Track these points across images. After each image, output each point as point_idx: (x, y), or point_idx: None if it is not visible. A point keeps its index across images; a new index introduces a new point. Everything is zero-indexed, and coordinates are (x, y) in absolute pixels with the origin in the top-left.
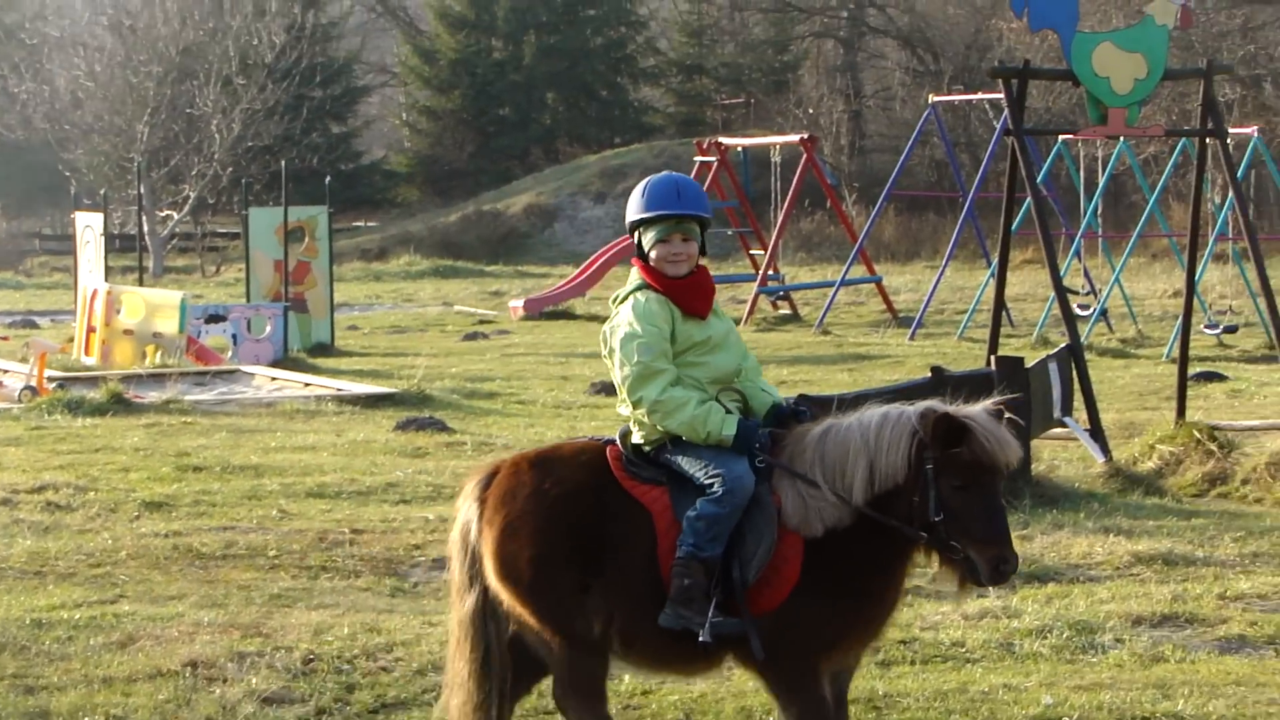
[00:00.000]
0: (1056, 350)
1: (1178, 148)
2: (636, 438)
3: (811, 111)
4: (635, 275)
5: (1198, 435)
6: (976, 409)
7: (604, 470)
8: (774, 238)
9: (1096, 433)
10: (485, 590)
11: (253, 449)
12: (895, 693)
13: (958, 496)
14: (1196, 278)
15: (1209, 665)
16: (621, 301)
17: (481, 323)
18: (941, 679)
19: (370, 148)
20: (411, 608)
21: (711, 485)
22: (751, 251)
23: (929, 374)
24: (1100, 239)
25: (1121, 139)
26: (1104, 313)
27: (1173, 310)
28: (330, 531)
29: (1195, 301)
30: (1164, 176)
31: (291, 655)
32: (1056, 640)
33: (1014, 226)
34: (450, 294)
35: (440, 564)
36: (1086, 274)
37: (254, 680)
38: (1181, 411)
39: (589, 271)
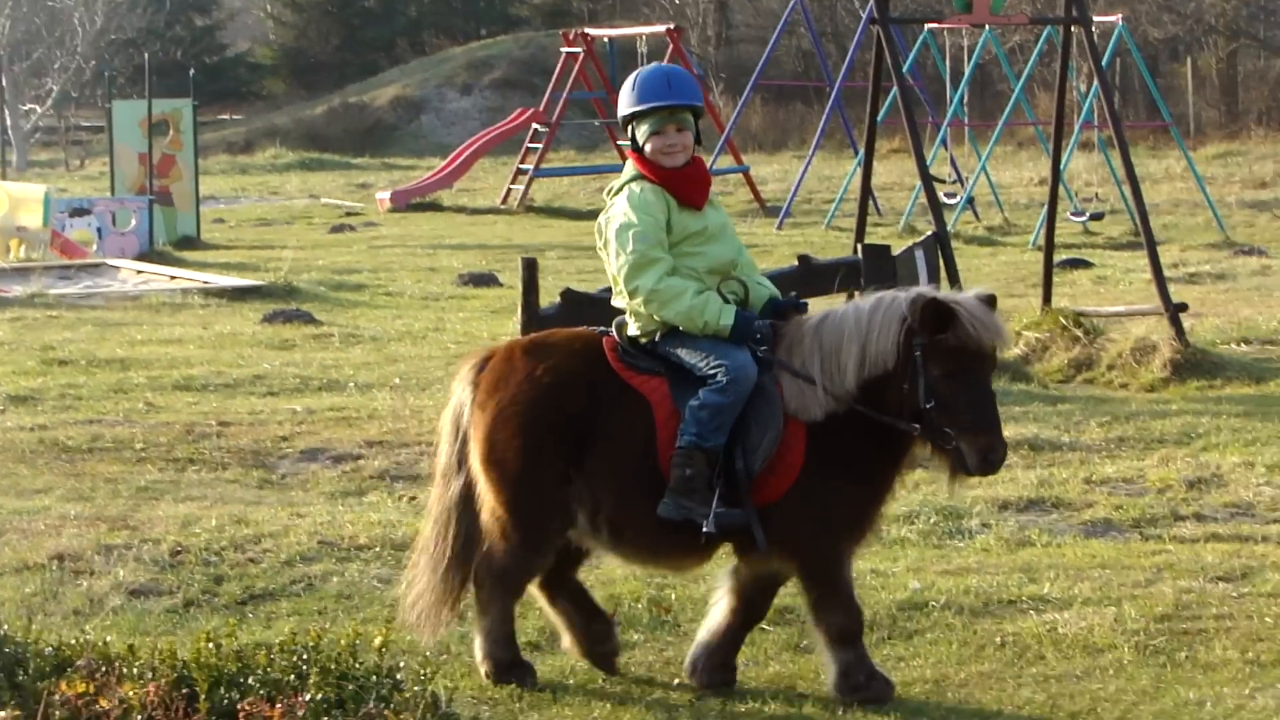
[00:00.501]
0: (923, 238)
1: (1043, 36)
2: (633, 329)
3: (678, 2)
4: (630, 167)
5: (1063, 321)
6: (966, 295)
7: (599, 359)
8: None
9: None
10: (469, 475)
11: (119, 342)
12: None
13: (945, 383)
14: (1062, 166)
15: (1074, 549)
16: (616, 193)
17: (348, 215)
18: None
19: (235, 40)
20: (279, 499)
21: (715, 375)
22: (619, 142)
23: (796, 263)
24: (966, 128)
25: (987, 28)
26: (970, 201)
27: (1038, 198)
28: (197, 424)
29: (1061, 189)
30: (1029, 65)
31: (159, 548)
32: (924, 526)
33: (880, 116)
34: (317, 187)
35: (308, 455)
36: (953, 162)
37: (121, 573)
38: (1047, 298)
39: (456, 163)
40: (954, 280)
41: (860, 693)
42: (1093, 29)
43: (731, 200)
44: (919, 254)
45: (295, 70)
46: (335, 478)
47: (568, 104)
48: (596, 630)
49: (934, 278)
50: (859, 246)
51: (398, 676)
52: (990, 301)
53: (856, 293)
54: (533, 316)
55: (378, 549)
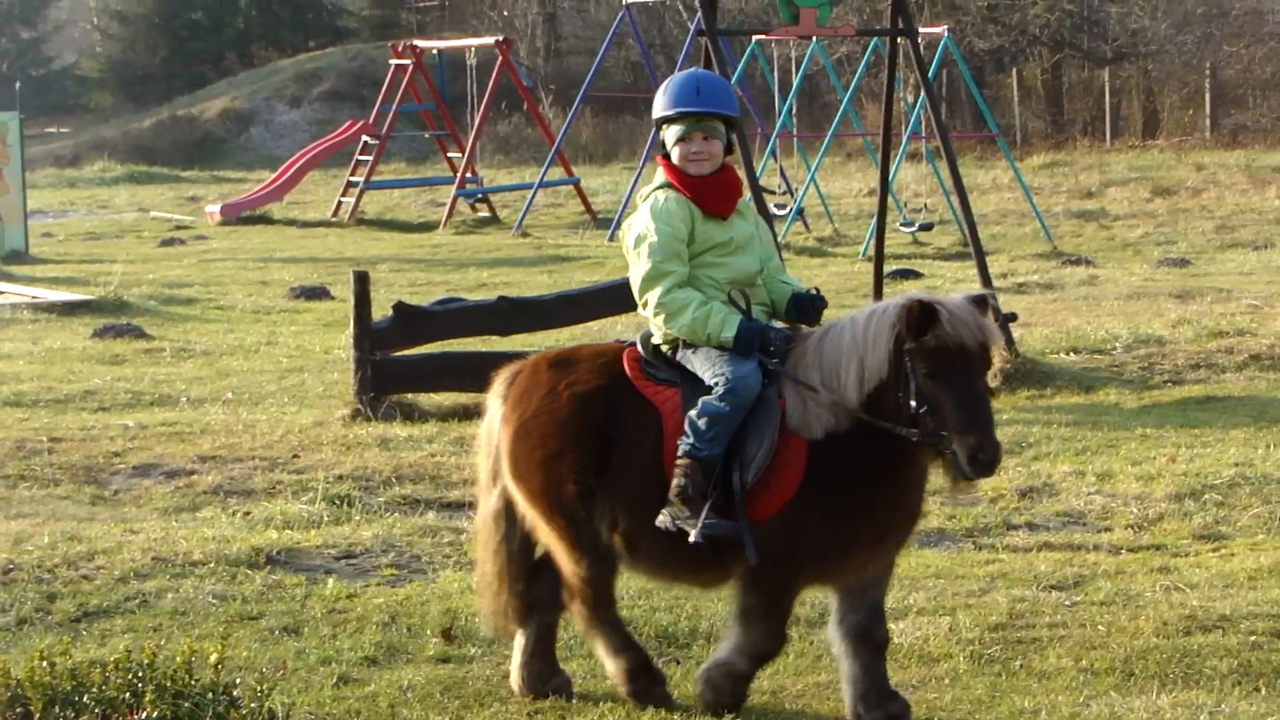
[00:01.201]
0: None
1: (870, 47)
2: (656, 338)
3: (507, 14)
4: (659, 173)
5: None
6: (955, 295)
7: (620, 373)
8: (471, 141)
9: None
10: (505, 489)
11: None
12: None
13: (932, 385)
14: (891, 176)
15: (909, 559)
16: (644, 199)
17: (178, 228)
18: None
19: (61, 53)
20: (112, 515)
21: (715, 383)
22: (449, 155)
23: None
24: (795, 139)
25: (814, 39)
26: (800, 212)
27: (868, 209)
28: (28, 440)
29: (890, 200)
30: (857, 76)
31: None
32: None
33: None
34: (146, 200)
35: (141, 471)
36: (783, 173)
37: None
38: None
39: (286, 176)
40: None
41: (716, 694)
42: (919, 40)
43: (563, 212)
44: None
45: (123, 83)
46: (168, 493)
47: (397, 116)
48: (536, 670)
49: None
50: None
51: (234, 693)
52: (979, 301)
53: None
54: (365, 330)
55: (212, 564)
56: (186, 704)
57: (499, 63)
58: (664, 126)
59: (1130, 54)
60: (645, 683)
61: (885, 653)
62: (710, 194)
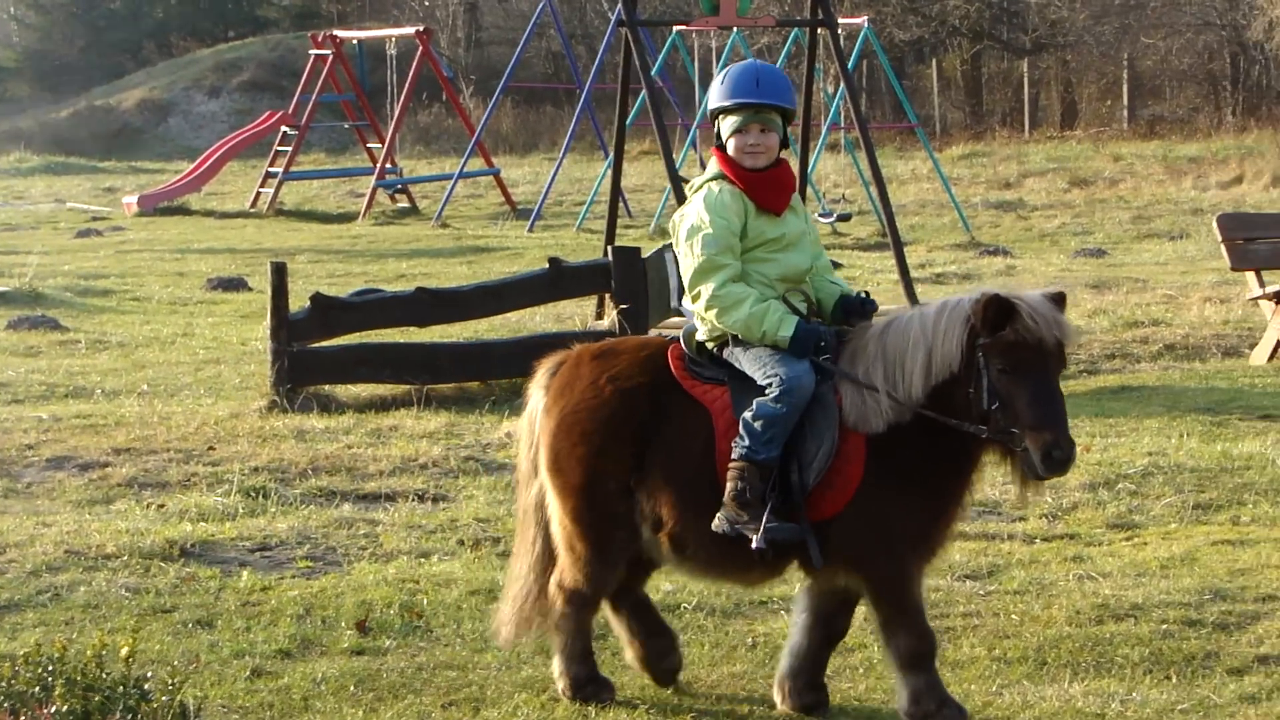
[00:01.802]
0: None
1: (790, 38)
2: (701, 334)
3: (427, 4)
4: (713, 164)
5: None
6: (1032, 291)
7: (664, 368)
8: (391, 131)
9: None
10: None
11: None
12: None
13: (1006, 381)
14: (810, 167)
15: None
16: (696, 190)
17: (95, 220)
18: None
19: None
20: (25, 508)
21: (769, 385)
22: (369, 145)
23: (547, 265)
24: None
25: (735, 30)
26: None
27: None
28: None
29: (809, 190)
30: (777, 66)
31: None
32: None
33: (630, 118)
34: (63, 191)
35: (54, 464)
36: (703, 164)
37: None
38: None
39: (204, 167)
40: None
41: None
42: (839, 31)
43: (483, 203)
44: (669, 256)
45: (40, 73)
46: (82, 486)
47: (317, 106)
48: (657, 645)
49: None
50: (609, 249)
51: (145, 687)
52: (1058, 299)
53: (608, 296)
54: (282, 321)
55: (125, 558)
56: (97, 698)
57: (419, 53)
58: (720, 117)
59: (1049, 45)
60: (590, 692)
61: (835, 645)
62: (764, 188)
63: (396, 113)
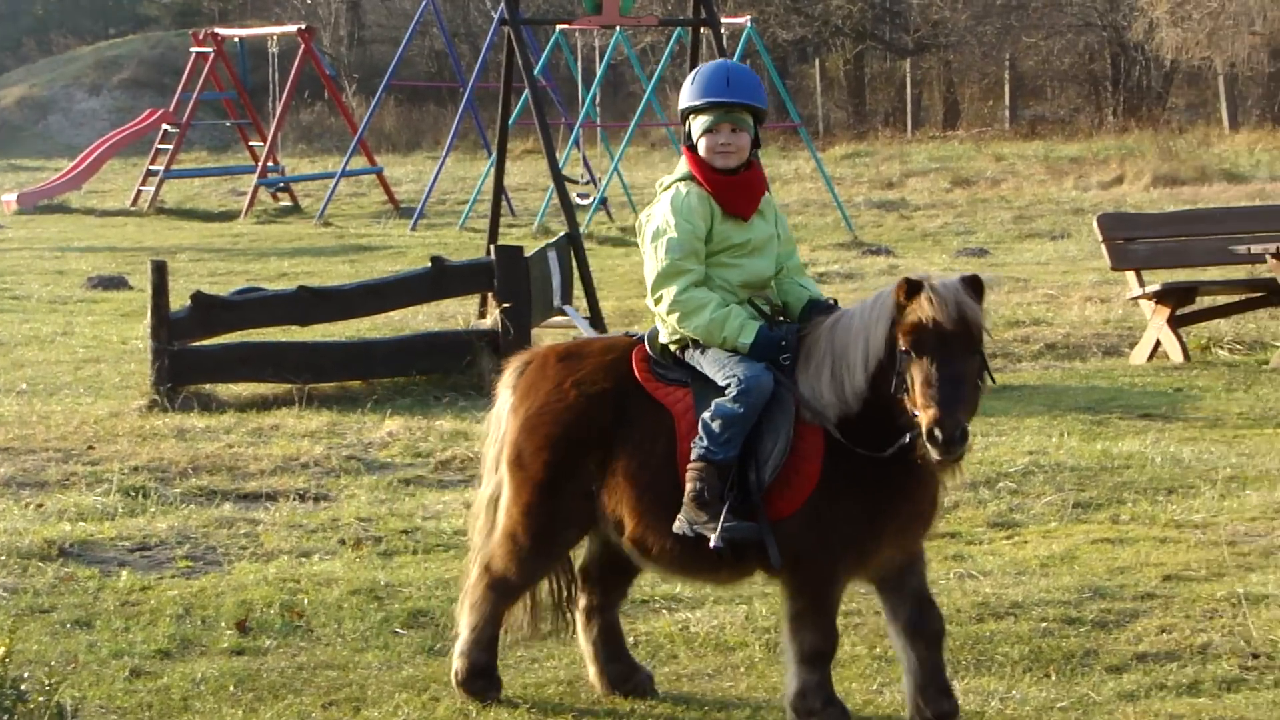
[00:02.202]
0: (556, 239)
1: (673, 37)
2: (664, 336)
3: (310, 2)
4: (683, 164)
5: None
6: (947, 276)
7: (628, 372)
8: (273, 129)
9: (596, 320)
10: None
11: None
12: (397, 582)
13: (908, 363)
14: None
15: None
16: (665, 190)
17: None
18: (444, 567)
19: None
20: None
21: (728, 385)
22: (251, 143)
23: (429, 264)
24: (599, 128)
25: (618, 29)
26: (604, 201)
27: None
28: None
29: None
30: (660, 66)
31: None
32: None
33: (513, 117)
34: None
35: None
36: (586, 163)
37: None
38: None
39: (85, 164)
40: (586, 281)
41: (811, 717)
42: (721, 31)
43: (366, 201)
44: (552, 255)
45: None
46: None
47: (198, 104)
48: (615, 670)
49: (567, 279)
50: (492, 247)
51: (22, 687)
52: (972, 282)
53: (490, 295)
54: (163, 320)
55: (3, 557)
56: None
57: (301, 51)
58: (690, 117)
59: (931, 45)
60: (482, 685)
61: (942, 642)
62: (733, 192)
63: (278, 111)
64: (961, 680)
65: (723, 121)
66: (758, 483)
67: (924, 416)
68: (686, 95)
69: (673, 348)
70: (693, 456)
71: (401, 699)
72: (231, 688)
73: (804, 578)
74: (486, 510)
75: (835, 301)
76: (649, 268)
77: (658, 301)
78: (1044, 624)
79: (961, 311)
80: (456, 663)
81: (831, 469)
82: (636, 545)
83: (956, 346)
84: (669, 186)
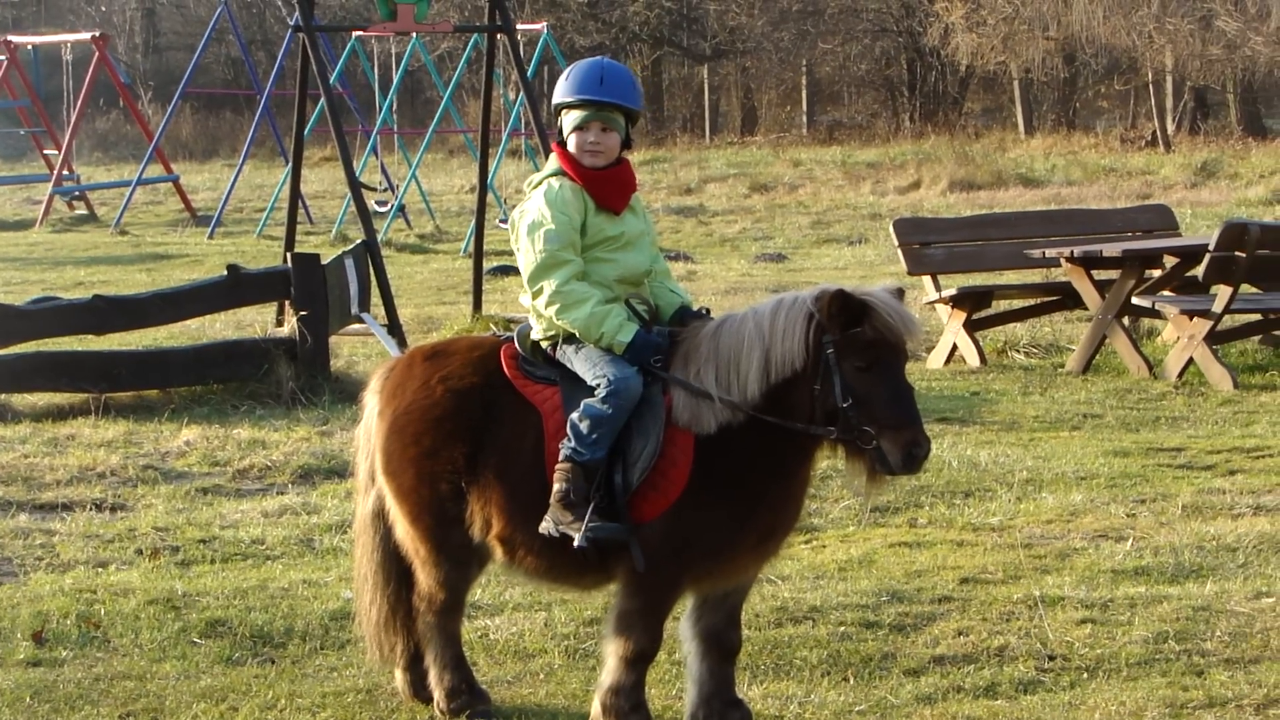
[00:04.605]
0: (353, 246)
1: (470, 43)
2: (536, 332)
3: (104, 9)
4: (554, 160)
5: (493, 327)
6: (874, 287)
7: (496, 369)
8: (68, 137)
9: (394, 328)
10: (381, 489)
11: None
12: (195, 591)
13: (863, 379)
14: (491, 173)
15: None
16: (535, 186)
17: None
18: (242, 576)
19: None
20: None
21: (598, 385)
22: (45, 152)
23: (226, 272)
24: (396, 135)
25: (415, 35)
26: (402, 209)
27: (469, 205)
28: None
29: (490, 196)
30: (457, 73)
31: None
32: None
33: (309, 125)
34: None
35: None
36: (384, 170)
37: None
38: (478, 304)
39: None
40: (384, 289)
41: (619, 718)
42: (518, 37)
43: (162, 209)
44: (349, 262)
45: None
46: None
47: None
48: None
49: (364, 286)
50: (288, 255)
51: None
52: (899, 293)
53: (287, 303)
54: None
55: None
56: None
57: (96, 59)
58: (562, 113)
59: (729, 51)
60: (464, 701)
61: (735, 658)
62: (604, 187)
63: (73, 119)
64: (760, 685)
65: (593, 120)
66: (624, 485)
67: (896, 435)
68: (560, 90)
69: (545, 344)
70: (560, 457)
71: (200, 709)
72: (28, 699)
73: (650, 579)
74: (368, 530)
75: (708, 310)
76: (525, 261)
77: (536, 294)
78: (842, 628)
79: (912, 326)
80: (435, 693)
81: (700, 475)
82: (503, 545)
83: (904, 360)
84: (540, 183)
